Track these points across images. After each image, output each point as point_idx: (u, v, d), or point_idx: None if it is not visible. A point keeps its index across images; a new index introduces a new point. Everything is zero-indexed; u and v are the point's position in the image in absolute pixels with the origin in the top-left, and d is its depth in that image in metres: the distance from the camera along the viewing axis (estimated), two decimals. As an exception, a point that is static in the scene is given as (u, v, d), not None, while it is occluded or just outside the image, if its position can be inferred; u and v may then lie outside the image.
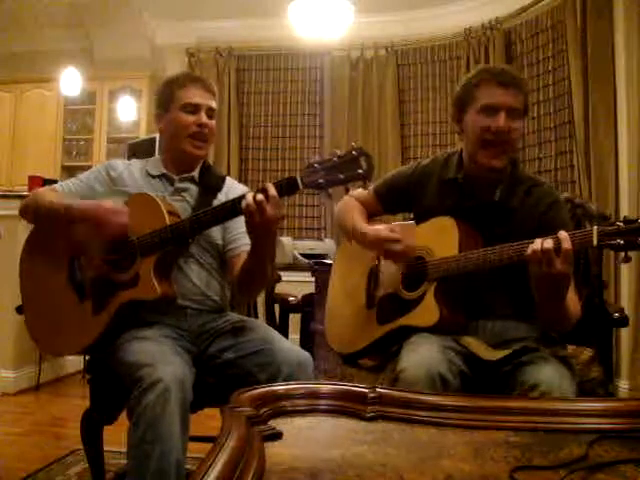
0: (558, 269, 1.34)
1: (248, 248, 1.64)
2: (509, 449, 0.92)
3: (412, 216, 1.83)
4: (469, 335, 1.56)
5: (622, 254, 1.29)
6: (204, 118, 1.74)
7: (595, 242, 1.31)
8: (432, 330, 1.54)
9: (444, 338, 1.52)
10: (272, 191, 1.45)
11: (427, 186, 1.73)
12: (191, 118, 1.73)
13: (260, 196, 1.45)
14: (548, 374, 1.39)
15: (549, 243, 1.34)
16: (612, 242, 1.28)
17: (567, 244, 1.33)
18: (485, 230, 1.61)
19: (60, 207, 1.67)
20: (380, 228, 1.64)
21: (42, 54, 5.59)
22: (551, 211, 1.61)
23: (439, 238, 1.63)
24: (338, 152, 1.43)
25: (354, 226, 1.74)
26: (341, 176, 1.41)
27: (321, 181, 1.42)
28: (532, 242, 1.38)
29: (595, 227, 1.31)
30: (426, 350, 1.46)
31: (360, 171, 1.40)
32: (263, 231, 1.51)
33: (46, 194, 1.74)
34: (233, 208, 1.53)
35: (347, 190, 1.42)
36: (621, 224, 1.28)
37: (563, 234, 1.34)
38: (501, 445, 0.94)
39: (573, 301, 1.52)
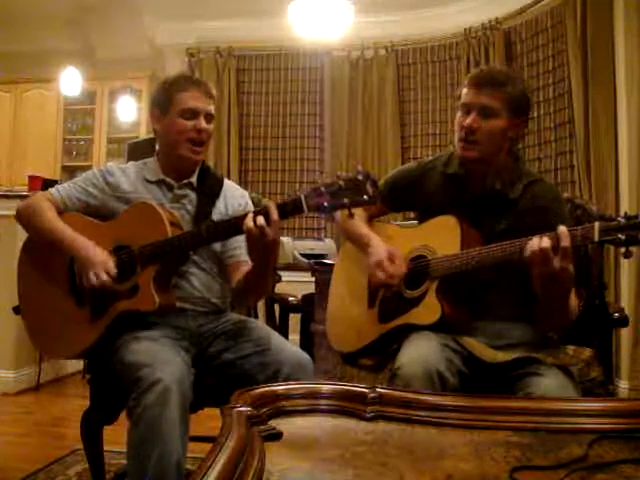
0: (557, 266, 1.34)
1: (246, 258, 1.65)
2: (509, 449, 0.92)
3: (412, 215, 1.84)
4: (470, 336, 1.56)
5: (623, 249, 1.30)
6: (203, 123, 1.72)
7: (596, 238, 1.31)
8: (433, 328, 1.55)
9: (444, 337, 1.52)
10: (274, 216, 1.45)
11: (430, 181, 1.75)
12: (190, 123, 1.71)
13: (261, 220, 1.44)
14: (553, 387, 1.39)
15: (547, 242, 1.35)
16: (613, 237, 1.29)
17: (566, 242, 1.33)
18: (486, 222, 1.62)
19: (56, 239, 1.67)
20: (383, 252, 1.66)
21: (42, 54, 5.59)
22: (553, 207, 1.62)
23: (441, 237, 1.63)
24: (344, 175, 1.42)
25: (354, 231, 1.80)
26: (346, 200, 1.40)
27: (326, 205, 1.41)
28: (531, 239, 1.39)
29: (596, 223, 1.32)
30: (425, 347, 1.47)
31: (365, 197, 1.39)
32: (263, 252, 1.51)
33: (44, 211, 1.71)
34: (236, 228, 1.52)
35: (352, 215, 1.42)
36: (622, 220, 1.29)
37: (563, 230, 1.35)
38: (501, 445, 0.94)
39: (573, 301, 1.52)
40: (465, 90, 1.63)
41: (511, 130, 1.62)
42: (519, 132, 1.65)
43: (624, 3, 3.47)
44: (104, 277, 1.58)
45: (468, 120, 1.60)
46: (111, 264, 1.61)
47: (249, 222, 1.45)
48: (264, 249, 1.49)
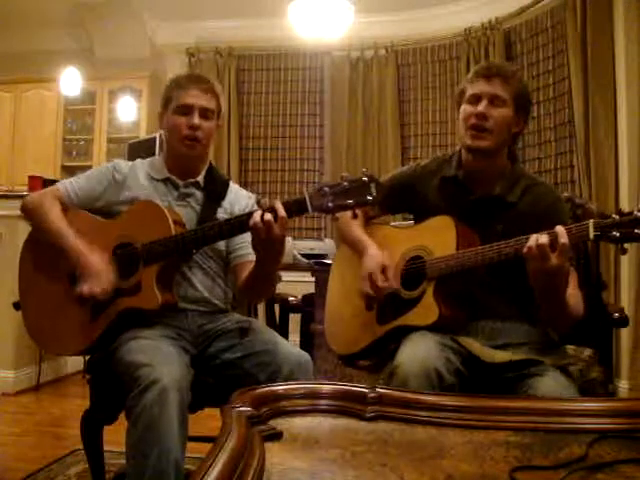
0: (554, 263, 1.35)
1: (253, 258, 1.64)
2: (509, 449, 0.92)
3: (411, 216, 1.84)
4: (468, 336, 1.56)
5: (618, 246, 1.31)
6: (196, 119, 1.71)
7: (592, 235, 1.32)
8: (431, 328, 1.55)
9: (443, 337, 1.52)
10: (282, 212, 1.45)
11: (429, 184, 1.75)
12: (183, 120, 1.72)
13: (268, 216, 1.45)
14: (554, 388, 1.39)
15: (544, 238, 1.36)
16: (608, 234, 1.29)
17: (564, 239, 1.34)
18: (484, 226, 1.62)
19: (57, 243, 1.68)
20: (376, 263, 1.66)
21: (42, 54, 5.59)
22: (552, 209, 1.62)
23: (437, 237, 1.63)
24: (348, 176, 1.43)
25: (351, 235, 1.81)
26: (350, 201, 1.41)
27: (330, 205, 1.42)
28: (528, 238, 1.39)
29: (591, 220, 1.33)
30: (423, 346, 1.47)
31: (369, 198, 1.40)
32: (268, 249, 1.51)
33: (48, 209, 1.72)
34: (240, 225, 1.53)
35: (355, 215, 1.43)
36: (617, 216, 1.29)
37: (560, 229, 1.36)
38: (501, 445, 0.94)
39: (575, 297, 1.52)
40: (471, 83, 1.63)
41: (514, 125, 1.63)
42: (520, 130, 1.66)
43: (624, 3, 3.47)
44: (97, 291, 1.60)
45: (480, 107, 1.59)
46: (110, 277, 1.62)
47: (256, 217, 1.46)
48: (270, 246, 1.49)
